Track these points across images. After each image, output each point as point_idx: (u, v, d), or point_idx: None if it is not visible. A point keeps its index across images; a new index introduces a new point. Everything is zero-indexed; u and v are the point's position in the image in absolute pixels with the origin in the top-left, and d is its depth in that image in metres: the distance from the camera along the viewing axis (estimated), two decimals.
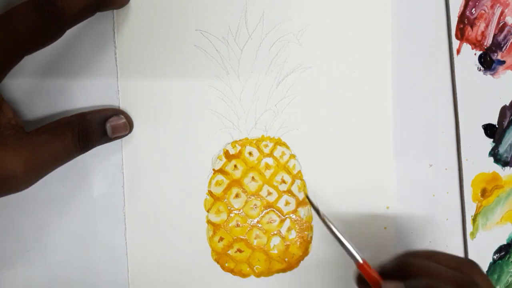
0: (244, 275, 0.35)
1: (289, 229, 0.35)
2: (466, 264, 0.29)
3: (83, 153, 0.30)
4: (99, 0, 0.27)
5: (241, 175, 0.34)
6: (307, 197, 0.34)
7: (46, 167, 0.28)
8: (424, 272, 0.28)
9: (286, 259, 0.35)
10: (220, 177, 0.34)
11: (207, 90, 0.33)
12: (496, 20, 0.37)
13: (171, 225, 0.34)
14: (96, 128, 0.30)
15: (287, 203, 0.35)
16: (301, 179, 0.35)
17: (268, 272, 0.35)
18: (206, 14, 0.32)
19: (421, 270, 0.28)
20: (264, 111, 0.34)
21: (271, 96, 0.34)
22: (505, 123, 0.38)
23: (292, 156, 0.34)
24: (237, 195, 0.34)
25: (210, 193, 0.34)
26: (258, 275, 0.35)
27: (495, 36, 0.37)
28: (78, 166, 0.32)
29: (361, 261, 0.30)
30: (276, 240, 0.35)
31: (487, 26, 0.36)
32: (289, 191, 0.35)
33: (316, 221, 0.35)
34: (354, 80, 0.34)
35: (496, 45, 0.37)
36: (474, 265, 0.30)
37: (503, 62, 0.37)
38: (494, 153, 0.38)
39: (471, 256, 0.38)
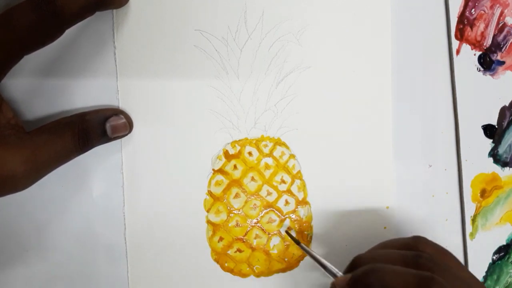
0: (244, 275, 0.35)
1: (289, 229, 0.35)
2: (412, 241, 0.30)
3: (83, 153, 0.30)
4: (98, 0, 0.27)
5: (241, 175, 0.34)
6: (287, 232, 0.34)
7: (46, 167, 0.28)
8: (372, 259, 0.29)
9: (286, 259, 0.35)
10: (219, 177, 0.34)
11: (207, 90, 0.33)
12: (496, 21, 0.37)
13: (170, 225, 0.34)
14: (96, 128, 0.30)
15: (286, 203, 0.35)
16: (301, 179, 0.35)
17: (268, 272, 0.35)
18: (206, 14, 0.32)
19: (369, 258, 0.29)
20: (264, 111, 0.34)
21: (271, 96, 0.34)
22: (505, 124, 0.38)
23: (292, 156, 0.34)
24: (236, 195, 0.34)
25: (209, 193, 0.34)
26: (258, 275, 0.35)
27: (494, 36, 0.37)
28: (77, 166, 0.32)
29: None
30: (276, 240, 0.35)
31: (486, 26, 0.36)
32: (288, 191, 0.35)
33: (316, 221, 0.35)
34: (354, 80, 0.34)
35: (496, 46, 0.37)
36: (420, 239, 0.30)
37: (502, 63, 0.37)
38: (493, 154, 0.38)
39: (470, 257, 0.38)
